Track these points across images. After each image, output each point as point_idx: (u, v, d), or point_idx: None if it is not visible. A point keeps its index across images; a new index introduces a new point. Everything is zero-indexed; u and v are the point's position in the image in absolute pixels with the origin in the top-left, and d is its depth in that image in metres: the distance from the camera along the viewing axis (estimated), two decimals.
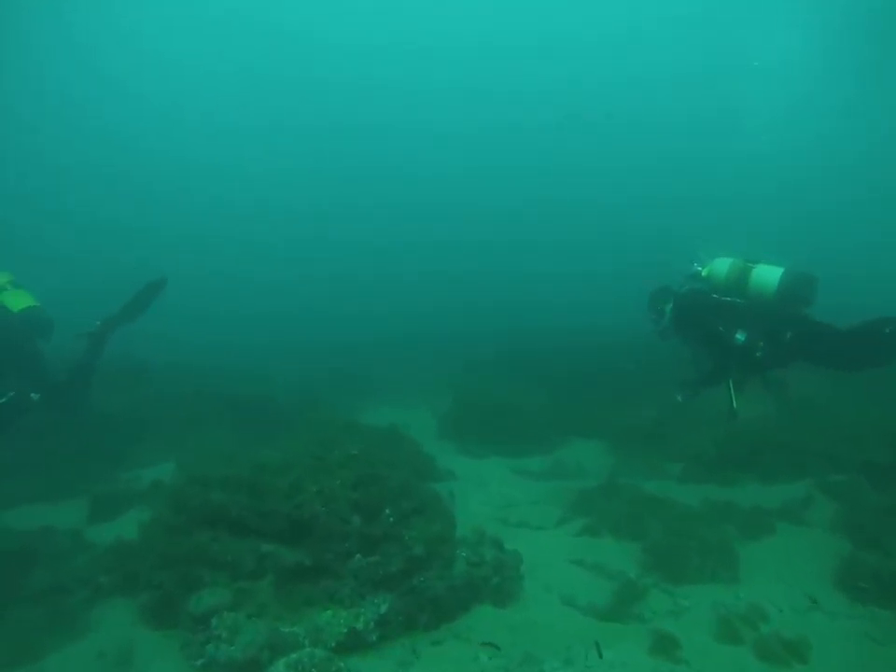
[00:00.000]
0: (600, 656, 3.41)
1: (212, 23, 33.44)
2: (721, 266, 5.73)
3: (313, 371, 12.98)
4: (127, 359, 10.00)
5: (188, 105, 37.83)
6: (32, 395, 6.21)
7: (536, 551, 4.74)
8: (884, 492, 5.26)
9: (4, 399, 5.95)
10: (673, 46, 33.45)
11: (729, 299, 5.63)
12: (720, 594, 4.11)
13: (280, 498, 4.04)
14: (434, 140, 40.66)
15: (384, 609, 3.64)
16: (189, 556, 3.79)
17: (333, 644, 3.41)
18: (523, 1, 33.49)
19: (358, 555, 3.83)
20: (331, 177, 39.99)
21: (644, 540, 4.80)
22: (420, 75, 37.84)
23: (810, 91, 29.32)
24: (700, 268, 5.96)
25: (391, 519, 4.10)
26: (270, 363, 13.42)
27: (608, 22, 33.95)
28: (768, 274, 5.43)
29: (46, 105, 32.65)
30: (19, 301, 6.39)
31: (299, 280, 29.59)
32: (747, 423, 7.58)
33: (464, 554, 4.22)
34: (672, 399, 5.99)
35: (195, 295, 21.00)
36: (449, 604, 3.81)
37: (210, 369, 11.72)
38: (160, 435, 8.51)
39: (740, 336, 5.46)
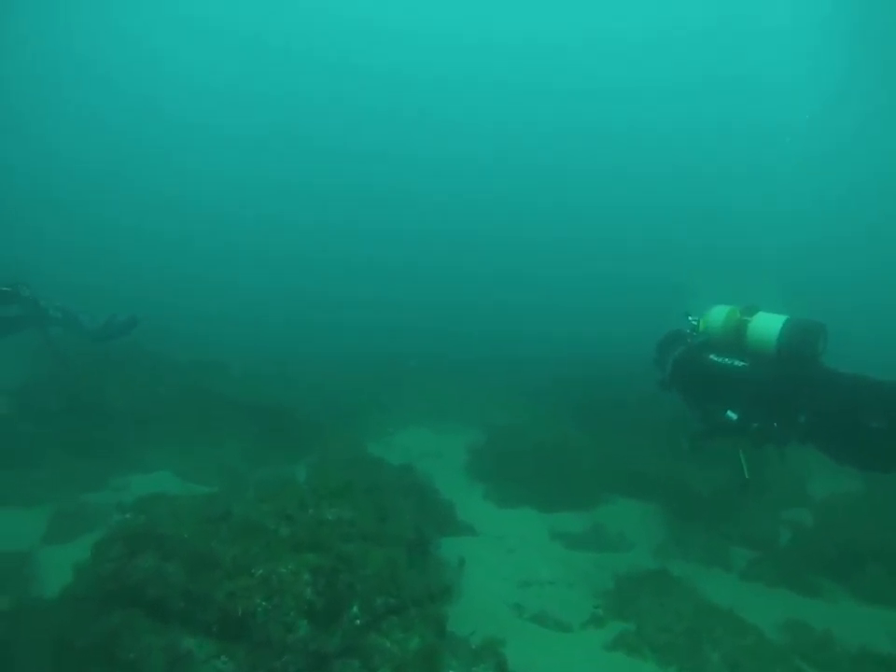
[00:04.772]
0: None
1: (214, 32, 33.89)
2: (717, 317, 4.90)
3: (347, 379, 12.09)
4: (140, 354, 9.47)
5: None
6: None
7: (552, 669, 3.66)
8: None
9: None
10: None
11: (726, 361, 4.75)
12: None
13: (219, 579, 3.11)
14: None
15: None
16: (86, 648, 2.89)
17: None
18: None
19: None
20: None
21: None
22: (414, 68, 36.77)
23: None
24: (695, 321, 5.17)
25: (357, 622, 3.10)
26: (297, 367, 12.58)
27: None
28: (766, 327, 4.53)
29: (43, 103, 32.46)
30: None
31: (337, 286, 28.03)
32: (833, 505, 6.24)
33: None
34: (680, 444, 5.26)
35: (216, 296, 20.11)
36: None
37: (230, 370, 11.04)
38: (165, 438, 7.90)
39: (731, 415, 4.60)
